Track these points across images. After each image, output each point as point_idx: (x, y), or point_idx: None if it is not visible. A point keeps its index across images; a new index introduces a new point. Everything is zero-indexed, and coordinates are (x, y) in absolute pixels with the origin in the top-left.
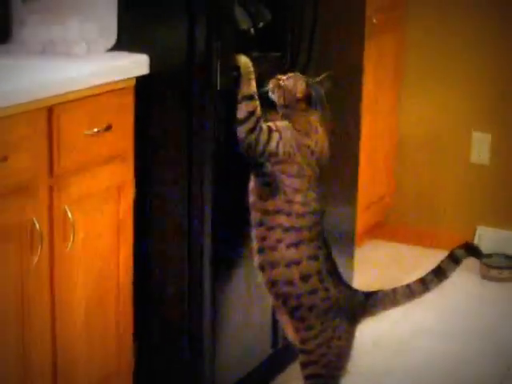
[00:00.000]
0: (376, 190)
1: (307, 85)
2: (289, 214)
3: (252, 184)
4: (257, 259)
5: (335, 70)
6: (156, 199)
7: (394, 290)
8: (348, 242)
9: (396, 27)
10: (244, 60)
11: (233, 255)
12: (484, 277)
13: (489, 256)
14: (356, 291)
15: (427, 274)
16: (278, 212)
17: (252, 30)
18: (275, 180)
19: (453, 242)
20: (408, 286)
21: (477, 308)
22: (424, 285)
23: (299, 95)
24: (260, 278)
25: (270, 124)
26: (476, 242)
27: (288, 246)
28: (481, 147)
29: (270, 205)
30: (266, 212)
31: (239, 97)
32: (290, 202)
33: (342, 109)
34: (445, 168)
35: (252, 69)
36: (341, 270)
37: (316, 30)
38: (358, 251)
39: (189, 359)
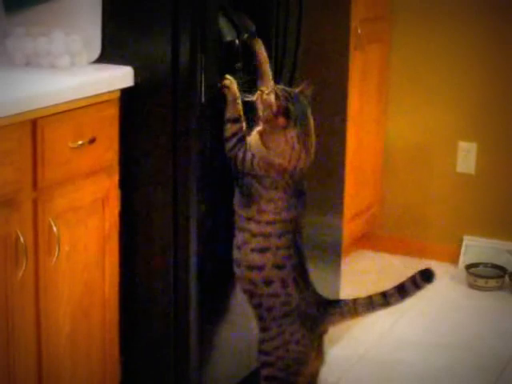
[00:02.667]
0: (362, 201)
1: (280, 99)
2: (258, 222)
3: (235, 192)
4: (232, 254)
5: (320, 80)
6: (141, 211)
7: (355, 301)
8: (334, 252)
9: (381, 38)
10: (230, 82)
11: (219, 269)
12: (471, 286)
13: (475, 265)
14: (318, 299)
15: (390, 289)
16: (249, 219)
17: (236, 41)
18: (251, 191)
19: (440, 251)
20: (369, 297)
21: (464, 318)
22: (385, 298)
23: (274, 110)
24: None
25: (248, 141)
26: (463, 251)
27: (252, 250)
28: (466, 157)
29: (245, 212)
30: (241, 217)
31: (225, 118)
32: (261, 211)
33: (327, 119)
34: (431, 178)
35: (238, 94)
36: (326, 280)
37: (300, 41)
38: (345, 261)
39: (175, 373)
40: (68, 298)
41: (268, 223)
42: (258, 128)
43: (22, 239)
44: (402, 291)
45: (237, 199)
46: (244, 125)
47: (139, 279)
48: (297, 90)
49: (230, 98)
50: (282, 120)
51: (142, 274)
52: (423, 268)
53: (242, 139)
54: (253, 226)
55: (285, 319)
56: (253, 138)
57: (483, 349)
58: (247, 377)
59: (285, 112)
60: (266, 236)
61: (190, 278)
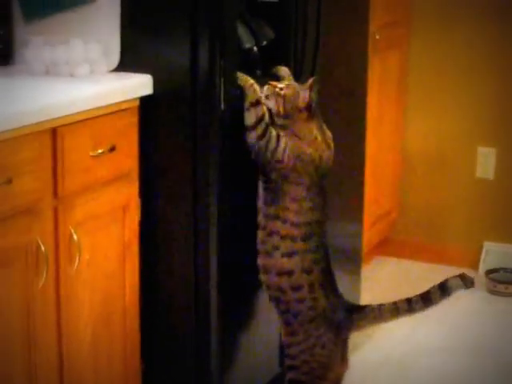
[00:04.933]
0: (382, 207)
1: (310, 94)
2: (284, 221)
3: (259, 189)
4: (258, 260)
5: (339, 86)
6: (161, 219)
7: (380, 307)
8: (354, 258)
9: (399, 43)
10: (242, 75)
11: (240, 275)
12: (491, 292)
13: (495, 271)
14: (344, 304)
15: (415, 296)
16: (275, 218)
17: (255, 48)
18: (277, 186)
19: (460, 257)
20: (394, 303)
21: (483, 323)
22: (409, 305)
23: (302, 104)
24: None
25: (278, 130)
26: (482, 256)
27: (282, 255)
28: (486, 162)
29: (271, 210)
30: (267, 216)
31: (246, 104)
32: (285, 208)
33: (346, 125)
34: (450, 183)
35: (252, 81)
36: (347, 286)
37: (319, 47)
38: (365, 268)
39: (196, 380)
40: (89, 306)
41: (293, 225)
42: (279, 122)
43: (42, 248)
44: (427, 298)
45: (261, 195)
46: (265, 108)
47: (159, 287)
48: (309, 85)
49: (246, 84)
50: (305, 113)
51: (162, 281)
52: (448, 276)
53: (268, 127)
54: (279, 226)
55: (311, 324)
56: (280, 129)
57: (503, 354)
58: (269, 382)
59: (308, 105)
60: (293, 238)
61: (210, 285)
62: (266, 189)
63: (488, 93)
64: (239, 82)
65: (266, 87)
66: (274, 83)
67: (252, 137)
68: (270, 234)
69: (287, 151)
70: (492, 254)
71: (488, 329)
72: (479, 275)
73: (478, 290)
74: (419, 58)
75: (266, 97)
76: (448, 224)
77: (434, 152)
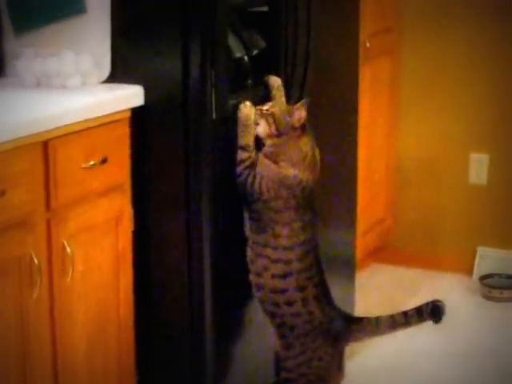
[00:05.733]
0: (375, 214)
1: (305, 113)
2: (275, 248)
3: (245, 219)
4: (250, 277)
5: (330, 94)
6: (154, 230)
7: (378, 319)
8: (348, 266)
9: (390, 51)
10: (245, 112)
11: (234, 285)
12: (485, 297)
13: (490, 276)
14: (340, 315)
15: (410, 310)
16: (264, 245)
17: (246, 57)
18: (262, 217)
19: (454, 263)
20: (391, 316)
21: (478, 329)
22: (406, 318)
23: (297, 124)
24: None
25: (256, 163)
26: (477, 262)
27: (273, 277)
28: (479, 168)
29: (257, 238)
30: (256, 243)
31: (237, 143)
32: (276, 236)
33: (338, 133)
34: (443, 189)
35: (252, 121)
36: (342, 294)
37: (310, 56)
38: (359, 275)
39: None
40: (83, 317)
41: (286, 249)
42: (263, 150)
43: (35, 260)
44: (421, 314)
45: (248, 225)
46: (253, 154)
47: (154, 298)
48: (292, 107)
49: (241, 122)
50: (299, 131)
51: (156, 292)
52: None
53: (251, 166)
54: (269, 252)
55: (308, 337)
56: (259, 161)
57: (498, 359)
58: None
59: (303, 124)
60: (287, 262)
61: (204, 296)
62: (251, 218)
63: (480, 99)
64: (239, 114)
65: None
66: (259, 107)
67: (237, 170)
68: (259, 255)
69: (264, 184)
70: (486, 259)
71: (484, 334)
72: (473, 281)
73: (472, 296)
74: (410, 65)
75: (256, 123)
76: (442, 230)
77: (426, 158)
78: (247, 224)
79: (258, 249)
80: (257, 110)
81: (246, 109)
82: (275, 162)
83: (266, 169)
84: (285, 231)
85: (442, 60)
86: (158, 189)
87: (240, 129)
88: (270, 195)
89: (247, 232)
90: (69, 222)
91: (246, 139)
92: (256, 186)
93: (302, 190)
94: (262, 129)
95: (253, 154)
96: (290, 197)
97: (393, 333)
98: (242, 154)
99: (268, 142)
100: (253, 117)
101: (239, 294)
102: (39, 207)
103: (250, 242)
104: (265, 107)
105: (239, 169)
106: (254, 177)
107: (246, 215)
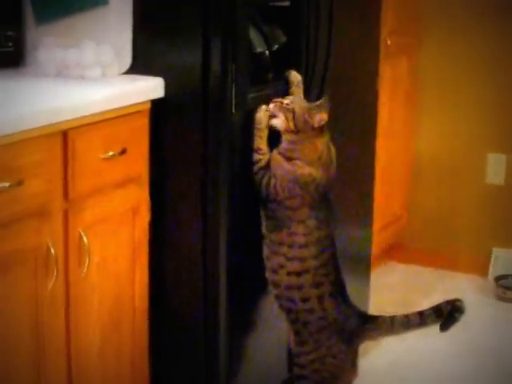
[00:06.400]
0: (391, 212)
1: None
2: (291, 246)
3: (262, 217)
4: (266, 274)
5: (350, 91)
6: (171, 222)
7: (393, 319)
8: (364, 264)
9: (410, 50)
10: (257, 116)
11: (249, 279)
12: (500, 298)
13: (505, 277)
14: (356, 313)
15: (427, 310)
16: (280, 244)
17: (267, 52)
18: (278, 216)
19: (469, 263)
20: (406, 316)
21: (492, 330)
22: (422, 318)
23: (317, 125)
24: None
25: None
26: (492, 263)
27: (289, 274)
28: (496, 168)
29: (273, 236)
30: (272, 242)
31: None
32: (292, 234)
33: (356, 130)
34: (460, 189)
35: (264, 124)
36: (356, 292)
37: (331, 51)
38: (373, 273)
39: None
40: (98, 308)
41: (301, 247)
42: (278, 147)
43: (52, 250)
44: (439, 313)
45: (264, 224)
46: (266, 156)
47: (169, 290)
48: (314, 104)
49: (256, 130)
50: (317, 130)
51: (171, 285)
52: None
53: (265, 167)
54: (285, 250)
55: (321, 334)
56: (273, 159)
57: (511, 360)
58: None
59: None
60: (303, 259)
61: (219, 288)
62: (267, 216)
63: (498, 99)
64: (256, 115)
65: (271, 105)
66: (279, 100)
67: (252, 170)
68: (275, 253)
69: (278, 185)
70: (501, 260)
71: (497, 335)
72: (488, 281)
73: (487, 297)
74: (430, 65)
75: (273, 115)
76: (457, 230)
77: (444, 158)
78: (263, 223)
79: (273, 247)
80: (276, 102)
81: (259, 113)
82: (289, 160)
83: (279, 168)
84: (300, 229)
85: (461, 60)
86: (176, 181)
87: (255, 131)
88: (285, 194)
89: (263, 230)
90: (86, 212)
91: (257, 142)
92: (271, 187)
93: (316, 188)
94: (281, 122)
95: (266, 157)
96: (304, 195)
97: (407, 333)
98: (255, 156)
99: (285, 137)
100: (265, 121)
101: (254, 288)
102: (57, 197)
103: (267, 240)
104: (285, 101)
105: (255, 168)
106: (269, 178)
107: (262, 214)
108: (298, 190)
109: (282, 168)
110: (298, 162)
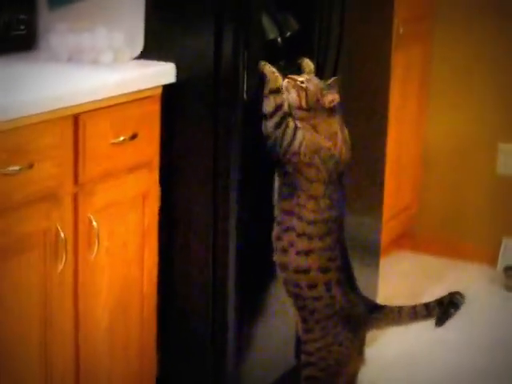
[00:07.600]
0: (401, 201)
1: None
2: (299, 218)
3: (275, 183)
4: (274, 257)
5: (362, 78)
6: (181, 207)
7: (400, 309)
8: (373, 252)
9: (423, 38)
10: (265, 63)
11: (258, 266)
12: (508, 289)
13: None
14: (363, 302)
15: (432, 301)
16: (290, 213)
17: (279, 39)
18: (293, 181)
19: (478, 253)
20: (413, 307)
21: (501, 320)
22: (427, 310)
23: (328, 105)
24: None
25: (297, 122)
26: (501, 253)
27: (298, 253)
28: (507, 158)
29: (286, 205)
30: (283, 211)
31: (266, 91)
32: (301, 206)
33: (368, 118)
34: (470, 179)
35: (274, 69)
36: (365, 280)
37: (343, 39)
38: (383, 262)
39: (212, 371)
40: (106, 293)
41: (310, 223)
42: (299, 114)
43: (62, 234)
44: (442, 305)
45: (277, 190)
46: (285, 100)
47: (177, 276)
48: (325, 83)
49: (268, 71)
50: (328, 112)
51: (180, 270)
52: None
53: (286, 117)
54: (295, 223)
55: (328, 321)
56: (300, 122)
57: None
58: (285, 374)
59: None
60: (310, 237)
61: (228, 275)
62: (281, 183)
63: (510, 88)
64: (261, 69)
65: (285, 80)
66: (294, 76)
67: (269, 126)
68: (286, 229)
69: (304, 145)
70: (511, 250)
71: (505, 325)
72: (497, 272)
73: (495, 287)
74: (442, 53)
75: (287, 90)
76: (467, 220)
77: (454, 147)
78: (276, 189)
79: (285, 220)
80: (290, 78)
81: (265, 62)
82: (314, 129)
83: (308, 132)
84: (311, 204)
85: (474, 49)
86: (186, 167)
87: (268, 76)
88: (306, 159)
89: (275, 201)
90: (96, 196)
91: (278, 82)
92: (296, 143)
93: (335, 165)
94: (293, 98)
95: (285, 101)
96: (321, 169)
97: (414, 323)
98: (276, 99)
99: (297, 113)
100: (272, 67)
101: (263, 277)
102: (67, 181)
103: (278, 214)
104: (300, 78)
105: (275, 119)
106: (295, 132)
107: (276, 180)
108: (317, 161)
109: (310, 133)
110: (321, 135)
